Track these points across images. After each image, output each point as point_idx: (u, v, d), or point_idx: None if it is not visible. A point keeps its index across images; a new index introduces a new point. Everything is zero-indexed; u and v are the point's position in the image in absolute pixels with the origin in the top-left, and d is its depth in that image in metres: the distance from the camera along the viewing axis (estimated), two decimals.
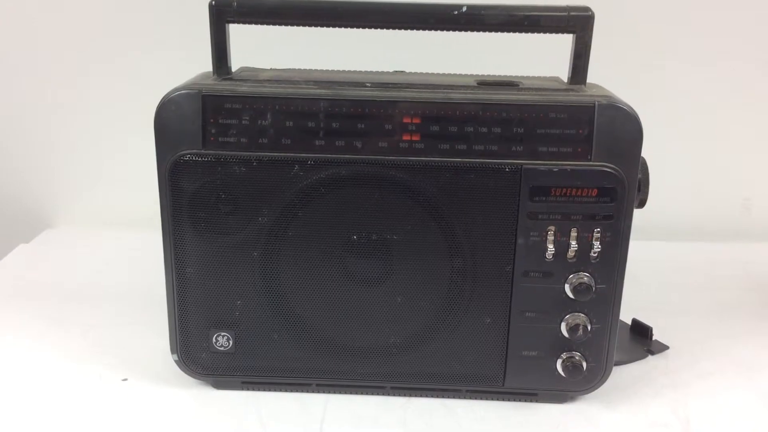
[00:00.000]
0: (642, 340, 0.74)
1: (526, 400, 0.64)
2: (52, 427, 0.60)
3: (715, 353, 0.73)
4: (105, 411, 0.62)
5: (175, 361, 0.64)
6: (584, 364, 0.61)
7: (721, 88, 1.01)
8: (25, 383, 0.66)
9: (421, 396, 0.65)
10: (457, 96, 0.57)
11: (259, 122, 0.57)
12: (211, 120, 0.57)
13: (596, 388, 0.63)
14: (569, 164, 0.57)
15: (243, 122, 0.57)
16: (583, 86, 0.61)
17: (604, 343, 0.61)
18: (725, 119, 1.02)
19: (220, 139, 0.57)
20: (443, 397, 0.65)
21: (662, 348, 0.73)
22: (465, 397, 0.64)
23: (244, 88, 0.58)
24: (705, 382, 0.68)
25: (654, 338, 0.74)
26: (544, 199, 0.57)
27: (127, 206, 1.03)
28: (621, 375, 0.67)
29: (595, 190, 0.57)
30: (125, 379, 0.67)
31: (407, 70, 0.68)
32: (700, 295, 0.88)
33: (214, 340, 0.63)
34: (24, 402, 0.63)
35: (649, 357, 0.72)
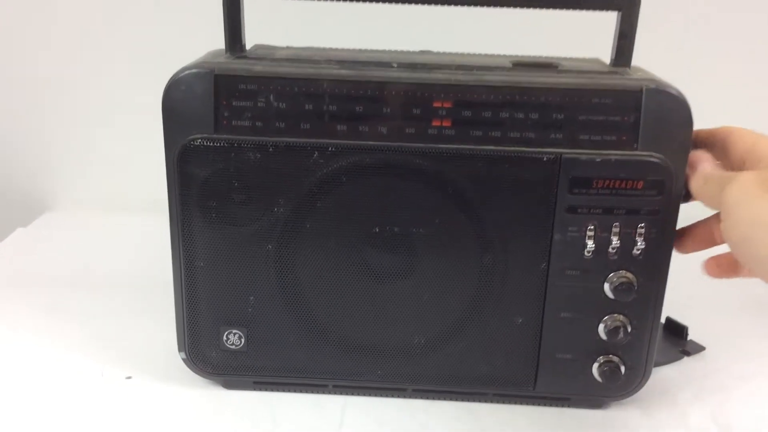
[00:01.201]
0: (677, 340, 0.70)
1: (558, 406, 0.60)
2: (50, 428, 0.56)
3: (751, 354, 0.69)
4: (107, 411, 0.58)
5: (183, 359, 0.60)
6: (622, 368, 0.57)
7: (753, 74, 0.96)
8: (21, 379, 0.62)
9: (444, 399, 0.61)
10: (491, 78, 0.53)
11: (276, 105, 0.53)
12: (224, 102, 0.53)
13: (633, 394, 0.59)
14: (613, 154, 0.52)
15: (258, 104, 0.53)
16: (627, 69, 0.56)
17: (644, 346, 0.57)
18: (757, 105, 0.97)
19: (233, 122, 0.53)
20: (469, 401, 0.61)
21: (698, 349, 0.69)
22: (492, 402, 0.61)
23: (259, 68, 0.53)
24: (744, 385, 0.64)
25: (689, 338, 0.70)
26: (584, 191, 0.53)
27: (131, 190, 0.99)
28: (657, 378, 0.63)
29: (641, 182, 0.53)
30: (129, 377, 0.63)
31: (435, 50, 0.63)
32: (732, 290, 0.83)
33: (224, 337, 0.59)
34: (19, 400, 0.59)
35: (685, 358, 0.68)
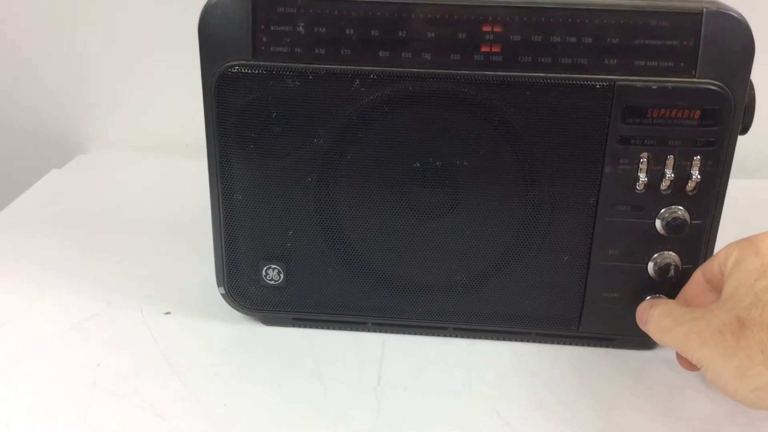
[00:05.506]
0: None
1: (602, 346, 0.59)
2: (92, 362, 0.56)
3: None
4: (147, 346, 0.58)
5: (222, 294, 0.59)
6: None
7: None
8: (59, 317, 0.62)
9: (485, 338, 0.60)
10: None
11: (317, 29, 0.51)
12: (263, 26, 0.51)
13: None
14: (670, 81, 0.50)
15: (298, 29, 0.51)
16: None
17: None
18: None
19: (272, 48, 0.51)
20: (510, 340, 0.59)
21: None
22: (534, 341, 0.59)
23: None
24: None
25: None
26: (638, 121, 0.50)
27: (166, 130, 0.98)
28: None
29: (698, 112, 0.50)
30: (168, 313, 0.63)
31: None
32: None
33: (263, 273, 0.58)
34: (58, 337, 0.59)
35: None
